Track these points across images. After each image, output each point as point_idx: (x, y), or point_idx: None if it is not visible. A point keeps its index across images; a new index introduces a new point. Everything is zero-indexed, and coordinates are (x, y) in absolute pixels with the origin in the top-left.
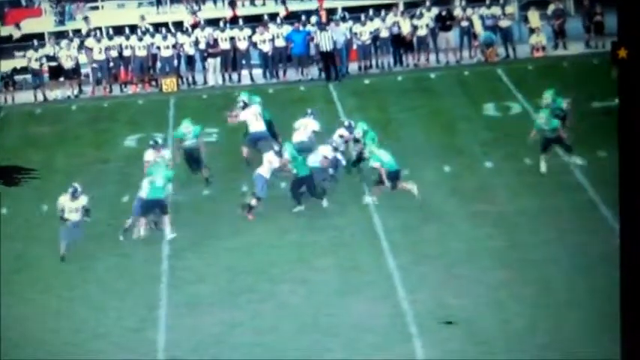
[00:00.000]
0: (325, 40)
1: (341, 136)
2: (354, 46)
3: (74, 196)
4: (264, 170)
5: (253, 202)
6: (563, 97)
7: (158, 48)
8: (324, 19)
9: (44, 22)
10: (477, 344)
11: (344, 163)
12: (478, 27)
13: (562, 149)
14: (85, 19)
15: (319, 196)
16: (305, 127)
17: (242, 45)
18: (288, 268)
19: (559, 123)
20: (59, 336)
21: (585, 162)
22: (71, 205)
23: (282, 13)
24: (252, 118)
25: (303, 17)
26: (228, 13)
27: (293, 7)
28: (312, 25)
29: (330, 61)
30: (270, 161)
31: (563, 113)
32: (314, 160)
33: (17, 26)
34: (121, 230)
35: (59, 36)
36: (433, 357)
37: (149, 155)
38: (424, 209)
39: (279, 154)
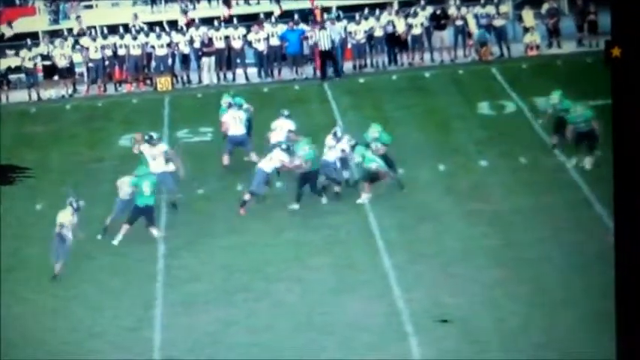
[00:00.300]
0: (324, 39)
1: (330, 148)
2: (349, 45)
3: (77, 210)
4: (266, 165)
5: (246, 196)
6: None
7: (153, 47)
8: (318, 18)
9: (38, 21)
10: (472, 343)
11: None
12: (472, 26)
13: (588, 145)
14: (77, 18)
15: (319, 193)
16: (281, 128)
17: (237, 44)
18: (284, 267)
19: (592, 113)
20: (56, 335)
21: (591, 167)
22: (72, 221)
23: (277, 12)
24: (232, 121)
25: (296, 16)
26: (224, 11)
27: (287, 6)
28: (310, 23)
29: (328, 60)
30: (280, 159)
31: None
32: (331, 155)
33: (9, 24)
34: (102, 230)
35: (53, 35)
36: (429, 356)
37: (145, 149)
38: (419, 208)
39: (288, 151)
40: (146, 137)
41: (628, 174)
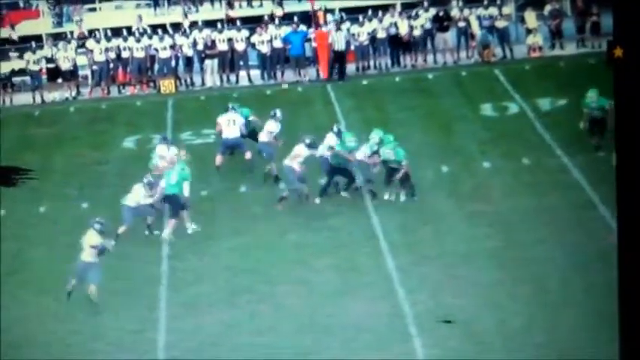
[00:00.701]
0: (340, 40)
1: (331, 147)
2: (352, 47)
3: (102, 232)
4: (290, 162)
5: (285, 193)
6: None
7: (156, 49)
8: (321, 20)
9: (42, 24)
10: (475, 344)
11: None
12: (475, 27)
13: None
14: (78, 22)
15: (352, 188)
16: (267, 128)
17: (240, 46)
18: (287, 269)
19: None
20: (59, 337)
21: None
22: (98, 242)
23: (279, 13)
24: (225, 123)
25: (295, 18)
26: (229, 12)
27: (290, 8)
28: (312, 25)
29: (340, 61)
30: (298, 153)
31: (605, 114)
32: (359, 155)
33: (12, 27)
34: (114, 235)
35: (57, 38)
36: (432, 356)
37: (161, 150)
38: (422, 209)
39: (311, 146)
40: (160, 136)
41: (631, 174)
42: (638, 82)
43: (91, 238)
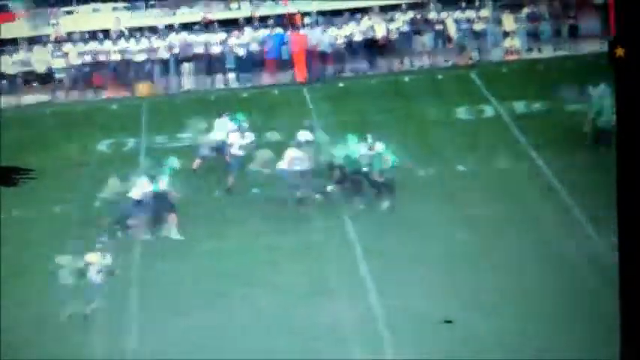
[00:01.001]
0: (325, 41)
1: (308, 142)
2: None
3: (101, 250)
4: (285, 164)
5: (298, 194)
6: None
7: (132, 53)
8: (298, 23)
9: (18, 27)
10: (446, 347)
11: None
12: (452, 30)
13: None
14: (54, 25)
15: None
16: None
17: (216, 49)
18: (261, 272)
19: None
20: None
21: None
22: (102, 261)
23: (256, 15)
24: (216, 127)
25: (271, 21)
26: (206, 15)
27: (267, 10)
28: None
29: (323, 62)
30: (291, 155)
31: None
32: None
33: None
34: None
35: (33, 41)
36: (404, 356)
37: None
38: (398, 213)
39: (300, 145)
40: None
41: (631, 175)
42: (639, 82)
43: (91, 257)
